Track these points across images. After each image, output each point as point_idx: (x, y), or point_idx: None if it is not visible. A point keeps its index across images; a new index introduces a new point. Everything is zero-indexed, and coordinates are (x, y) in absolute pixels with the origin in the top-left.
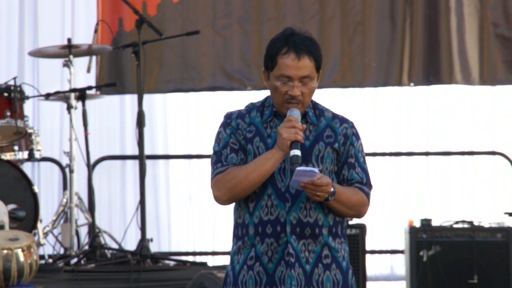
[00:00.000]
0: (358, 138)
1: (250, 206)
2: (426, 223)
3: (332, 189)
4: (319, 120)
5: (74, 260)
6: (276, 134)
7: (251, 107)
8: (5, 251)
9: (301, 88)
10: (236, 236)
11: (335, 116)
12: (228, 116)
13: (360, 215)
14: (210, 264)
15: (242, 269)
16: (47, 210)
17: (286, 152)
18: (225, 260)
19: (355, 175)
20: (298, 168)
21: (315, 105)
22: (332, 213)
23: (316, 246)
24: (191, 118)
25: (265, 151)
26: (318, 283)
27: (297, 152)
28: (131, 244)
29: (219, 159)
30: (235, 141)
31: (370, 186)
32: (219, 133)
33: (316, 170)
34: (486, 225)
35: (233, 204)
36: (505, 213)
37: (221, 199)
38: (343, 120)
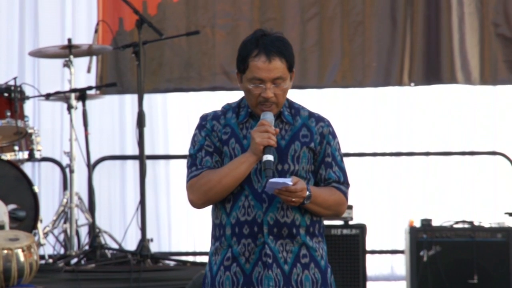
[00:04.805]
0: (334, 136)
1: (227, 206)
2: (426, 223)
3: (307, 193)
4: (294, 120)
5: (74, 260)
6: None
7: (227, 108)
8: (5, 251)
9: (274, 89)
10: (214, 237)
11: (311, 115)
12: (203, 118)
13: (338, 214)
14: None
15: (219, 270)
16: (47, 210)
17: (259, 156)
18: None
19: (332, 174)
20: (271, 180)
21: (291, 104)
22: (309, 213)
23: (294, 246)
24: (191, 118)
25: (241, 152)
26: (297, 283)
27: (269, 157)
28: (131, 244)
29: (194, 163)
30: (210, 144)
31: (347, 185)
32: (194, 135)
33: (288, 181)
34: (486, 225)
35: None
36: (505, 213)
37: (196, 203)
38: (319, 119)
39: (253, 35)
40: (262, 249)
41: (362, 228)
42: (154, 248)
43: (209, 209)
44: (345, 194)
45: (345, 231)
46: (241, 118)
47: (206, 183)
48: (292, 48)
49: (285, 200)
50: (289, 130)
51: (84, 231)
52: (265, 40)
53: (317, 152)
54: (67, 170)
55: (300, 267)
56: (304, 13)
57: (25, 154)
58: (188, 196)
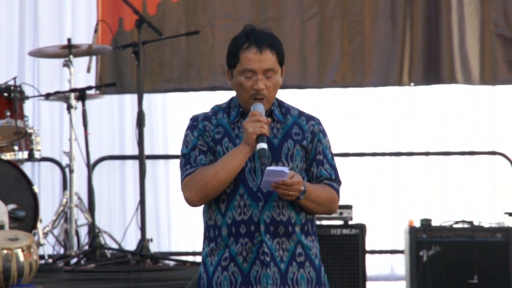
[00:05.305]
0: (325, 134)
1: (221, 207)
2: (426, 223)
3: (303, 188)
4: (285, 118)
5: (74, 260)
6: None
7: (216, 109)
8: (5, 251)
9: (265, 81)
10: (208, 238)
11: (301, 114)
12: (195, 119)
13: (330, 211)
14: None
15: (216, 270)
16: (47, 210)
17: (253, 146)
18: None
19: (324, 171)
20: (269, 168)
21: (280, 103)
22: (303, 211)
23: (290, 244)
24: None
25: None
26: (293, 281)
27: (263, 145)
28: (131, 244)
29: (188, 161)
30: (203, 143)
31: (339, 182)
32: (186, 136)
33: (286, 169)
34: (486, 225)
35: (202, 206)
36: (505, 213)
37: (193, 200)
38: (309, 117)
39: (243, 30)
40: (259, 247)
41: (361, 228)
42: (153, 248)
43: None
44: (337, 191)
45: (344, 231)
46: (232, 118)
47: (202, 178)
48: (282, 44)
49: (281, 194)
50: (281, 128)
51: (83, 231)
52: (255, 34)
53: (308, 150)
54: (67, 170)
55: (296, 265)
56: (303, 13)
57: (24, 154)
58: (184, 194)
